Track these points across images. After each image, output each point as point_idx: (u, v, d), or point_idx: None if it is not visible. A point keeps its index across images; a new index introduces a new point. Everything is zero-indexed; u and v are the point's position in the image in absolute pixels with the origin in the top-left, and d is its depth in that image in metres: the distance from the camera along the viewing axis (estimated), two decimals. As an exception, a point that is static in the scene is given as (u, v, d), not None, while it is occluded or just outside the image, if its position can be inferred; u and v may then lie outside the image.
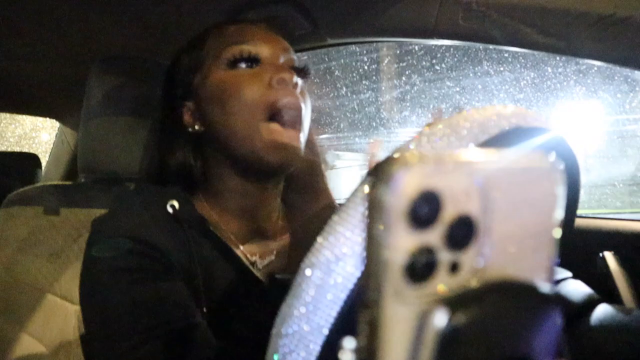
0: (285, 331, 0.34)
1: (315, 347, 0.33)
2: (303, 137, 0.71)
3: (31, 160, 1.63)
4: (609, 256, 0.85)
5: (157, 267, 0.63)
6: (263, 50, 0.71)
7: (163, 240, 0.65)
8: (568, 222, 0.47)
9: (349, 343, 0.23)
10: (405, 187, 0.20)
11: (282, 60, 0.72)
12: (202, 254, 0.67)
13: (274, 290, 0.70)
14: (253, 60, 0.70)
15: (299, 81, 0.70)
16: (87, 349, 0.74)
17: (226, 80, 0.69)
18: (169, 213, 0.68)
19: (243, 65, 0.70)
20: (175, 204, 0.68)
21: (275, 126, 0.67)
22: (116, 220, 0.67)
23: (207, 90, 0.71)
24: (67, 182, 1.07)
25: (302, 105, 0.70)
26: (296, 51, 1.11)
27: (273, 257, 0.75)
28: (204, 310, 0.63)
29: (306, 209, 0.83)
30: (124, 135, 0.90)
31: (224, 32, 0.73)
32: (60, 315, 0.93)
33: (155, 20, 1.01)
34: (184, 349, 0.58)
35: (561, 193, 0.24)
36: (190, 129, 0.73)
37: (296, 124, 0.68)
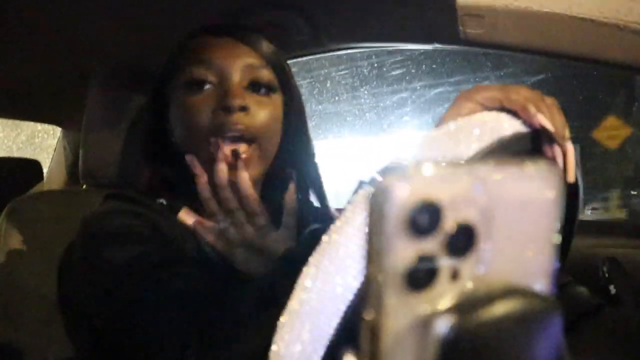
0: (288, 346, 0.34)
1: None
2: (253, 150, 0.73)
3: (33, 166, 1.63)
4: (610, 261, 0.85)
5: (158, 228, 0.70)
6: (213, 72, 0.73)
7: (162, 224, 0.70)
8: (569, 227, 0.47)
9: (351, 351, 0.23)
10: (405, 196, 0.20)
11: (234, 79, 0.73)
12: (198, 245, 0.71)
13: None
14: (203, 83, 0.73)
15: (247, 105, 0.71)
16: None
17: (180, 106, 0.74)
18: (160, 208, 0.73)
19: (194, 88, 0.73)
20: (164, 201, 0.75)
21: (217, 143, 0.71)
22: (111, 204, 0.74)
23: (170, 110, 0.77)
24: (69, 189, 1.07)
25: (251, 126, 0.71)
26: (296, 57, 1.11)
27: None
28: None
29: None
30: (125, 142, 0.90)
31: (187, 47, 0.77)
32: (62, 322, 0.93)
33: (157, 27, 1.02)
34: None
35: (560, 198, 0.24)
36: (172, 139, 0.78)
37: (239, 142, 0.71)
